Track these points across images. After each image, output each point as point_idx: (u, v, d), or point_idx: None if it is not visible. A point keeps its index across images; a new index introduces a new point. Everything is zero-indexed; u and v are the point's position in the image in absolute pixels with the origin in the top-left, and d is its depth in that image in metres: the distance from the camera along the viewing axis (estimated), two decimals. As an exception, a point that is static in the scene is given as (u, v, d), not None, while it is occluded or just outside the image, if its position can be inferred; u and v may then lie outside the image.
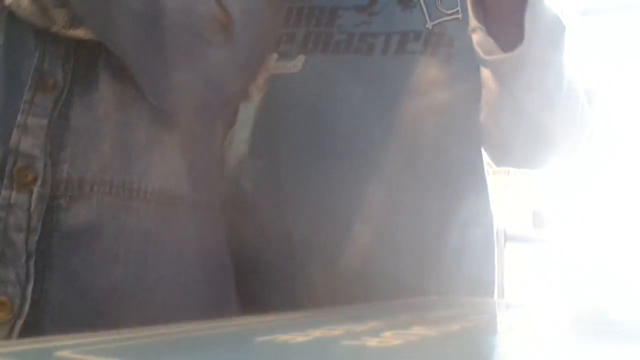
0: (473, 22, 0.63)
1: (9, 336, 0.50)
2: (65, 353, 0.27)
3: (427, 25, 0.71)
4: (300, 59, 0.73)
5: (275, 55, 0.73)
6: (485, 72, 0.68)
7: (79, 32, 0.54)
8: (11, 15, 0.53)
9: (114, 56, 0.55)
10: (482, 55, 0.63)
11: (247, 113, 0.75)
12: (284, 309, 0.45)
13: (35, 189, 0.52)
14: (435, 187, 0.72)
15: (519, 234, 2.85)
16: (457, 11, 0.72)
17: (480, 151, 0.77)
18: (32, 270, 0.51)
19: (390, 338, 0.31)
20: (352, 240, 0.70)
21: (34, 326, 0.51)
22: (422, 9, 0.73)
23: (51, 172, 0.53)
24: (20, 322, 0.50)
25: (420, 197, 0.72)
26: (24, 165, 0.52)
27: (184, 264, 0.59)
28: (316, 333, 0.33)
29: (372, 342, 0.30)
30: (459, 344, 0.33)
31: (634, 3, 2.65)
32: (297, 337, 0.31)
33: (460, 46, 0.71)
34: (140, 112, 0.57)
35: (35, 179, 0.52)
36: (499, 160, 0.77)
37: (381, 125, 0.71)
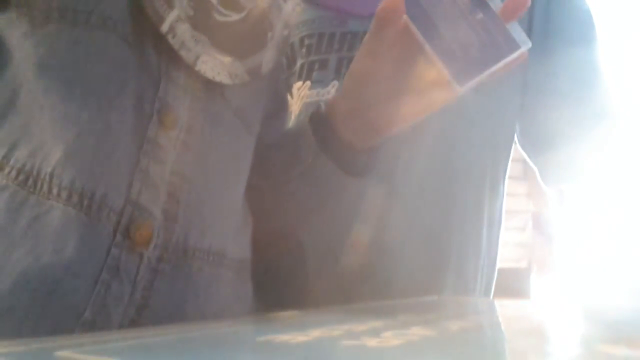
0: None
1: None
2: (65, 353, 0.27)
3: None
4: (334, 84, 0.72)
5: (308, 83, 0.73)
6: None
7: (208, 72, 0.50)
8: (139, 35, 0.48)
9: (235, 97, 0.52)
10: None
11: None
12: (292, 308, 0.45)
13: (146, 255, 0.47)
14: (457, 195, 0.73)
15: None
16: None
17: (503, 165, 0.78)
18: None
19: (390, 338, 0.31)
20: (369, 244, 0.70)
21: None
22: None
23: (164, 233, 0.48)
24: None
25: (439, 206, 0.72)
26: (141, 223, 0.46)
27: None
28: (316, 333, 0.33)
29: (372, 342, 0.30)
30: (459, 344, 0.33)
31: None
32: (297, 337, 0.31)
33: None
34: (238, 169, 0.55)
35: (148, 241, 0.47)
36: None
37: (406, 138, 0.71)
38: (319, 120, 0.60)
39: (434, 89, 0.53)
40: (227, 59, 0.52)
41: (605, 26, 0.79)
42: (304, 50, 0.75)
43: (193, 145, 0.50)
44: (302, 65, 0.75)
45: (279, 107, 0.65)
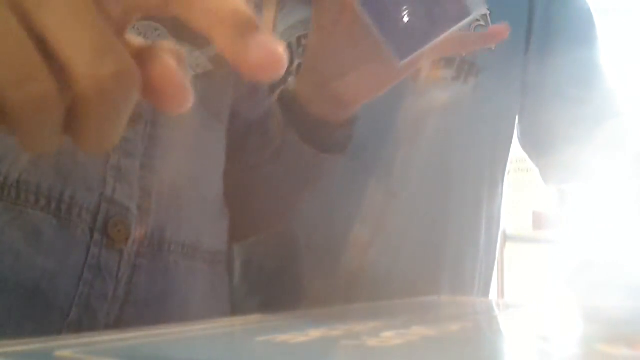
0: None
1: None
2: (65, 353, 0.27)
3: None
4: None
5: None
6: None
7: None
8: None
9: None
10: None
11: None
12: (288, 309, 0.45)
13: (126, 251, 0.47)
14: (455, 196, 0.73)
15: (518, 234, 2.85)
16: None
17: (502, 166, 0.78)
18: None
19: (390, 338, 0.31)
20: (367, 243, 0.70)
21: None
22: None
23: (140, 227, 0.48)
24: None
25: (437, 205, 0.72)
26: (118, 219, 0.46)
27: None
28: (316, 333, 0.33)
29: (372, 342, 0.30)
30: (459, 344, 0.33)
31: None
32: (297, 337, 0.31)
33: (486, 77, 0.71)
34: (210, 159, 0.55)
35: (127, 237, 0.47)
36: None
37: (405, 139, 0.71)
38: (287, 99, 0.60)
39: (383, 62, 0.53)
40: (184, 50, 0.52)
41: (605, 26, 0.79)
42: (300, 50, 0.75)
43: (160, 138, 0.50)
44: (299, 65, 0.74)
45: (250, 88, 0.64)
